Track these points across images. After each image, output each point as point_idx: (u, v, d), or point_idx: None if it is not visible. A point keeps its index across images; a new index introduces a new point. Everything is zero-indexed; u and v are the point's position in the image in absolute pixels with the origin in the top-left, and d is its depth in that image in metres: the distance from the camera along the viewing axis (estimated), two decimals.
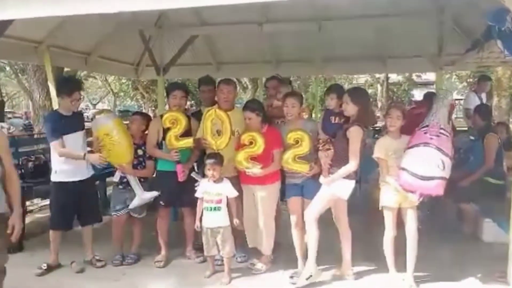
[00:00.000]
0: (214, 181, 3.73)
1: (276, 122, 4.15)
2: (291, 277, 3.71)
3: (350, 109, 3.53)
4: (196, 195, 3.80)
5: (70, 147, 3.87)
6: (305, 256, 3.71)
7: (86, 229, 4.12)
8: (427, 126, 3.45)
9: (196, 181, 3.97)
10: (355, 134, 3.45)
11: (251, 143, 3.73)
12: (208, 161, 3.70)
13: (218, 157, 3.73)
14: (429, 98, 4.91)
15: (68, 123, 3.91)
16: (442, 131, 3.39)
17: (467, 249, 4.44)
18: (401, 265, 3.61)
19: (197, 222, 3.80)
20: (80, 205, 4.00)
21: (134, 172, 4.08)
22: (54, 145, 3.87)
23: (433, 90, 7.77)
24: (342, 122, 3.76)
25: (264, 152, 3.72)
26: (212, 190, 3.73)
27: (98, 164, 4.11)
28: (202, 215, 3.78)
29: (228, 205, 3.74)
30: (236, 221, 3.76)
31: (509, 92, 14.32)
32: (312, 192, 3.69)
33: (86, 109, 34.50)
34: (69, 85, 4.02)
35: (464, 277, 3.78)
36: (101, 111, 4.35)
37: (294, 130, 3.72)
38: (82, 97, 3.96)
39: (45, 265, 3.94)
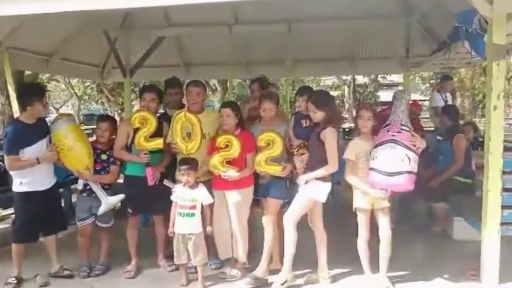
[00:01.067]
0: (189, 186, 3.63)
1: (254, 122, 4.05)
2: (245, 279, 3.62)
3: (318, 116, 3.52)
4: (172, 198, 3.69)
5: (30, 158, 3.65)
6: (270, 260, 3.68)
7: (49, 239, 3.90)
8: (389, 124, 3.51)
9: (168, 188, 3.83)
10: (331, 135, 3.42)
11: (226, 146, 3.62)
12: (182, 167, 3.59)
13: (192, 162, 3.63)
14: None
15: (32, 133, 3.68)
16: (403, 127, 3.44)
17: (439, 247, 4.50)
18: (377, 267, 3.60)
19: (171, 228, 3.67)
20: (45, 214, 3.77)
21: (94, 178, 3.90)
22: (9, 159, 3.64)
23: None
24: (313, 124, 3.73)
25: (238, 156, 3.64)
26: (186, 196, 3.62)
27: (58, 165, 3.89)
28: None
29: (202, 211, 3.64)
30: (209, 228, 3.67)
31: (471, 92, 14.88)
32: (278, 192, 3.70)
33: (49, 113, 33.43)
34: (39, 91, 3.80)
35: (438, 276, 3.80)
36: (61, 116, 4.12)
37: (265, 132, 3.66)
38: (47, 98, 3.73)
39: (14, 278, 3.72)
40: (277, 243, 3.82)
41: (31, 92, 3.79)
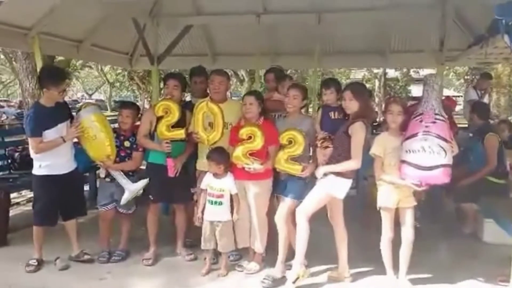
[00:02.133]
0: (217, 176, 3.65)
1: (273, 115, 3.97)
2: (263, 281, 3.51)
3: (352, 105, 3.37)
4: (201, 187, 3.73)
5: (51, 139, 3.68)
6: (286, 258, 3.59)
7: (70, 223, 3.94)
8: (421, 114, 3.32)
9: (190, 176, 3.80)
10: (359, 130, 3.29)
11: (249, 137, 3.55)
12: (212, 157, 3.60)
13: (222, 152, 3.63)
14: None
15: (51, 116, 3.69)
16: (437, 116, 3.27)
17: (467, 250, 4.32)
18: (398, 266, 3.48)
19: (199, 214, 3.71)
20: (64, 198, 3.80)
21: (117, 166, 3.90)
22: (32, 142, 3.68)
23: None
24: (342, 117, 3.61)
25: (261, 147, 3.56)
26: (215, 184, 3.66)
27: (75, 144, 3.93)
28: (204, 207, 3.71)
29: (231, 200, 3.67)
30: (235, 216, 3.67)
31: (508, 89, 14.30)
32: (294, 191, 3.58)
33: (82, 99, 34.25)
34: (54, 76, 3.76)
35: (465, 279, 3.65)
36: (87, 104, 4.14)
37: (287, 130, 3.56)
38: (68, 85, 3.73)
39: (35, 260, 3.79)
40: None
41: (47, 75, 3.78)
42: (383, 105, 3.67)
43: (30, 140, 3.72)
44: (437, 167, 3.17)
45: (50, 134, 3.67)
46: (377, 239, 3.53)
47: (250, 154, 3.55)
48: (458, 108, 10.73)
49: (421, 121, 3.28)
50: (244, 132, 3.56)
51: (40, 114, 3.69)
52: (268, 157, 3.63)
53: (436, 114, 3.28)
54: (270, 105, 3.94)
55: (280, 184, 3.72)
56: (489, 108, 5.63)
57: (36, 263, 3.77)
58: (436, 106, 3.31)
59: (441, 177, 3.21)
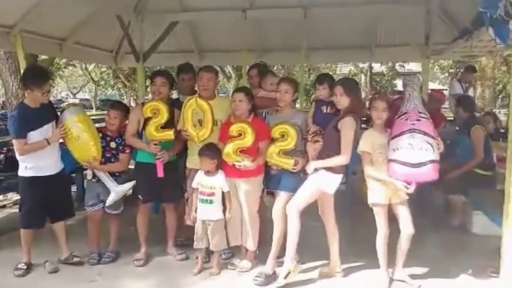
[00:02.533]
0: (208, 174, 3.62)
1: (261, 112, 3.95)
2: (255, 278, 3.49)
3: (343, 101, 3.37)
4: (192, 185, 3.70)
5: (35, 142, 3.60)
6: (278, 254, 3.58)
7: (58, 225, 3.86)
8: (405, 113, 3.35)
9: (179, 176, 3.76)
10: (348, 125, 3.29)
11: (240, 134, 3.52)
12: (204, 153, 3.58)
13: (214, 149, 3.61)
14: None
15: (36, 117, 3.61)
16: (421, 115, 3.31)
17: (456, 242, 4.37)
18: (392, 262, 3.49)
19: (192, 213, 3.69)
20: (51, 200, 3.73)
21: (103, 168, 3.85)
22: (17, 144, 3.60)
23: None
24: (333, 112, 3.61)
25: (252, 144, 3.53)
26: (205, 182, 3.63)
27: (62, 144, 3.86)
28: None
29: (222, 198, 3.65)
30: (228, 215, 3.66)
31: (492, 82, 14.47)
32: (287, 185, 3.57)
33: (66, 98, 33.80)
34: (38, 76, 3.66)
35: (456, 271, 3.68)
36: (69, 105, 4.07)
37: (279, 124, 3.55)
38: (53, 86, 3.63)
39: (24, 264, 3.71)
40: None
41: (30, 76, 3.69)
42: (368, 101, 3.68)
43: (14, 142, 3.63)
44: (425, 163, 3.18)
45: (34, 136, 3.60)
46: (367, 234, 3.55)
47: (241, 151, 3.53)
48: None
49: (406, 119, 3.31)
50: (234, 129, 3.53)
51: (24, 115, 3.60)
52: (258, 153, 3.61)
53: (420, 112, 3.32)
54: (257, 102, 3.91)
55: (273, 179, 3.70)
56: (474, 101, 5.69)
57: (25, 267, 3.70)
58: (419, 105, 3.37)
59: (430, 173, 3.22)
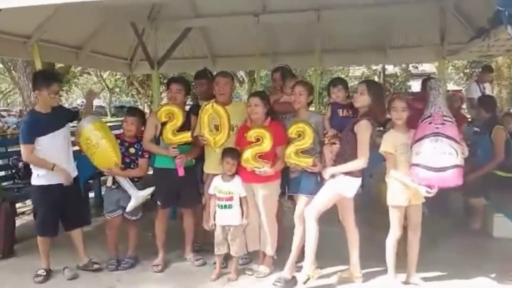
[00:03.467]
0: (225, 179, 3.63)
1: (281, 117, 3.93)
2: (274, 283, 3.47)
3: (362, 100, 3.33)
4: (209, 191, 3.70)
5: (46, 148, 3.59)
6: (297, 259, 3.55)
7: (75, 232, 3.87)
8: (429, 116, 3.28)
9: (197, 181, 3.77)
10: (364, 128, 3.25)
11: (258, 140, 3.51)
12: (227, 156, 3.59)
13: (235, 152, 3.62)
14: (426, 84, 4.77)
15: (46, 122, 3.60)
16: (446, 118, 3.24)
17: (477, 245, 4.29)
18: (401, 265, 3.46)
19: (211, 220, 3.69)
20: (65, 208, 3.73)
21: (124, 173, 3.86)
22: (23, 149, 3.59)
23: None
24: (350, 115, 3.57)
25: (270, 149, 3.52)
26: (223, 188, 3.63)
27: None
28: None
29: (240, 203, 3.66)
30: (244, 221, 3.65)
31: (509, 81, 14.25)
32: (308, 188, 3.54)
33: (81, 106, 34.19)
34: (46, 76, 3.69)
35: (475, 275, 3.61)
36: (84, 114, 4.07)
37: (295, 123, 3.52)
38: (61, 88, 3.62)
39: (43, 270, 3.73)
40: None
41: (39, 77, 3.72)
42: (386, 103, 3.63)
43: (21, 147, 3.61)
44: (449, 168, 3.10)
45: (44, 141, 3.58)
46: (386, 238, 3.49)
47: (259, 157, 3.52)
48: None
49: (430, 123, 3.24)
50: (252, 135, 3.52)
51: (34, 120, 3.62)
52: (276, 158, 3.59)
53: (444, 115, 3.25)
54: (278, 108, 3.89)
55: (293, 183, 3.68)
56: (496, 101, 5.57)
57: (44, 273, 3.72)
58: (443, 108, 3.30)
59: (454, 178, 3.13)
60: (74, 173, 3.84)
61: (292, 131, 3.50)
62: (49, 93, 3.58)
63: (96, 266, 3.87)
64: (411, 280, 3.46)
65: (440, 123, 3.21)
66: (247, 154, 3.51)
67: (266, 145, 3.48)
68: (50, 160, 3.60)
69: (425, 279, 3.50)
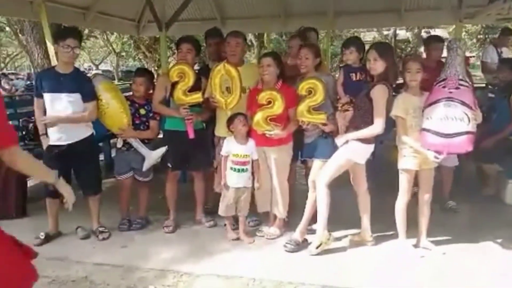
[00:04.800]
0: (240, 142, 3.58)
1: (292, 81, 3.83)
2: (285, 245, 3.49)
3: (378, 66, 3.19)
4: (222, 153, 3.66)
5: (48, 107, 3.50)
6: (310, 222, 3.56)
7: (91, 199, 3.83)
8: (444, 79, 3.17)
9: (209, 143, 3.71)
10: (380, 93, 3.15)
11: (269, 102, 3.43)
12: (237, 116, 3.55)
13: (244, 115, 3.59)
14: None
15: (58, 80, 3.49)
16: (461, 82, 3.12)
17: (489, 211, 4.26)
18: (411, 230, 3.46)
19: (223, 181, 3.66)
20: (77, 171, 3.69)
21: (135, 134, 3.82)
22: (35, 102, 3.61)
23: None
24: (363, 78, 3.47)
25: (281, 112, 3.46)
26: (238, 151, 3.59)
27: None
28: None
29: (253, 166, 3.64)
30: (256, 185, 3.64)
31: None
32: (323, 152, 3.47)
33: (89, 69, 34.03)
34: (62, 31, 3.67)
35: (488, 241, 3.60)
36: (93, 75, 3.99)
37: (305, 79, 3.43)
38: (78, 48, 3.50)
39: (43, 234, 3.71)
40: None
41: (56, 31, 3.69)
42: (400, 65, 3.50)
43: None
44: (460, 134, 3.03)
45: (47, 99, 3.49)
46: (392, 202, 3.47)
47: (270, 120, 3.46)
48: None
49: (444, 87, 3.14)
50: (263, 97, 3.45)
51: (43, 75, 3.60)
52: (288, 120, 3.53)
53: (460, 80, 3.13)
54: (291, 73, 3.78)
55: (307, 148, 3.63)
56: None
57: (43, 237, 3.67)
58: (460, 71, 3.17)
59: (464, 145, 3.07)
60: (88, 132, 3.68)
61: (303, 87, 3.41)
62: (62, 46, 3.47)
63: (101, 236, 3.76)
64: (422, 244, 3.46)
65: (454, 88, 3.11)
66: (258, 117, 3.45)
67: (277, 107, 3.41)
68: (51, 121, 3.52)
69: (436, 242, 3.50)
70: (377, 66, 3.20)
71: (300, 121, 3.49)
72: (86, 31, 18.27)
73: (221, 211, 3.71)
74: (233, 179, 3.63)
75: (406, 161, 3.34)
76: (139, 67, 7.72)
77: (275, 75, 3.55)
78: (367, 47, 3.53)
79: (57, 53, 3.62)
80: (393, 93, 4.16)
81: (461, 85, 3.12)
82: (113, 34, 24.20)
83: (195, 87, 3.69)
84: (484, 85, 6.43)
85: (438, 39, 4.65)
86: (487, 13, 6.22)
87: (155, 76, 5.18)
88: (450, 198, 4.29)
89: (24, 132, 5.50)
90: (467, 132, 3.05)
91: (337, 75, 3.90)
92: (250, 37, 17.29)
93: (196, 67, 4.52)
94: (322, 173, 3.39)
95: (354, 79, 3.56)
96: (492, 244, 3.56)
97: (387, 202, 3.52)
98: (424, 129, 3.16)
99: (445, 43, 3.73)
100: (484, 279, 3.01)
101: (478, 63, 12.87)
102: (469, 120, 3.04)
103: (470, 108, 3.06)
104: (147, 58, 22.35)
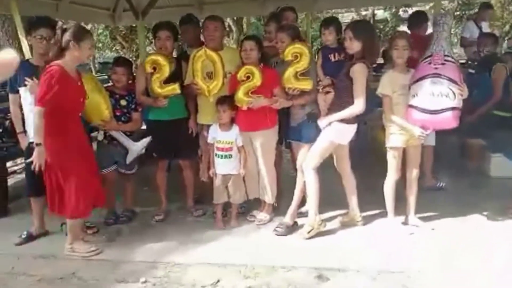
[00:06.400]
0: (224, 128, 3.54)
1: (271, 64, 3.76)
2: (276, 229, 3.48)
3: (354, 45, 3.16)
4: (208, 141, 3.63)
5: (23, 101, 3.40)
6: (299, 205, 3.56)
7: None
8: (430, 56, 3.17)
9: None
10: (359, 72, 3.12)
11: (248, 77, 3.39)
12: (222, 104, 3.48)
13: (230, 101, 3.50)
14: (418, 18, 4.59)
15: (33, 75, 3.32)
16: (447, 58, 3.12)
17: (475, 185, 4.31)
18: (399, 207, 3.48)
19: (212, 169, 3.63)
20: None
21: (117, 127, 3.72)
22: (10, 99, 3.47)
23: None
24: (342, 59, 3.44)
25: (264, 89, 3.41)
26: (222, 138, 3.56)
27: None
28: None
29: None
30: (242, 171, 3.60)
31: (501, 22, 13.99)
32: (309, 136, 3.45)
33: None
34: (32, 21, 3.48)
35: (475, 214, 3.65)
36: None
37: (291, 45, 3.36)
38: (52, 38, 3.32)
39: (25, 233, 3.60)
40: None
41: (28, 22, 3.55)
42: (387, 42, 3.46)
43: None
44: (445, 110, 3.05)
45: (25, 93, 3.38)
46: (383, 182, 3.48)
47: (252, 93, 3.41)
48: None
49: (429, 63, 3.13)
50: (241, 73, 3.40)
51: (21, 68, 3.36)
52: (272, 98, 3.48)
53: (446, 55, 3.13)
54: (269, 52, 3.71)
55: (292, 131, 3.60)
56: (498, 38, 5.41)
57: (25, 236, 3.56)
58: (445, 47, 3.16)
59: (449, 121, 3.10)
60: None
61: (288, 52, 3.34)
62: (35, 36, 3.36)
63: (89, 231, 3.65)
64: (410, 221, 3.48)
65: (440, 64, 3.10)
66: (239, 93, 3.41)
67: (256, 79, 3.37)
68: (27, 117, 3.40)
69: (424, 218, 3.53)
70: (353, 45, 3.16)
71: (287, 88, 3.43)
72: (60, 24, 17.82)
73: (214, 198, 3.69)
74: (219, 166, 3.60)
75: (393, 139, 3.34)
76: (118, 56, 7.51)
77: (257, 59, 3.49)
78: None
79: (31, 46, 3.47)
80: (373, 73, 4.17)
81: (447, 60, 3.11)
82: (87, 25, 23.64)
83: (176, 76, 3.60)
84: (464, 61, 6.46)
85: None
86: None
87: (134, 66, 5.06)
88: (435, 175, 4.32)
89: (0, 130, 5.32)
90: (453, 108, 3.07)
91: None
92: (229, 21, 17.07)
93: (174, 54, 4.41)
94: (308, 157, 3.37)
95: (332, 59, 3.53)
96: (480, 217, 3.61)
97: (374, 182, 3.52)
98: (410, 106, 3.17)
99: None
100: (477, 252, 3.02)
101: (456, 40, 12.95)
102: (454, 96, 3.05)
103: (456, 83, 3.06)
104: (124, 48, 21.92)
